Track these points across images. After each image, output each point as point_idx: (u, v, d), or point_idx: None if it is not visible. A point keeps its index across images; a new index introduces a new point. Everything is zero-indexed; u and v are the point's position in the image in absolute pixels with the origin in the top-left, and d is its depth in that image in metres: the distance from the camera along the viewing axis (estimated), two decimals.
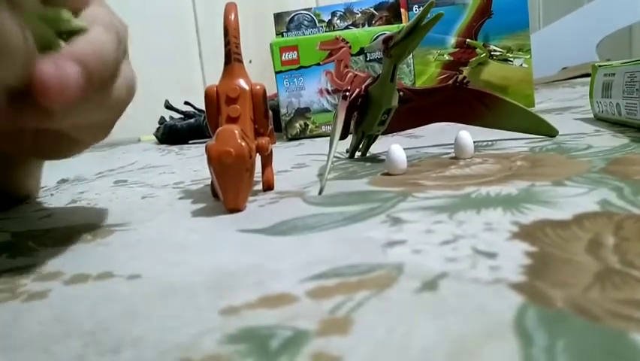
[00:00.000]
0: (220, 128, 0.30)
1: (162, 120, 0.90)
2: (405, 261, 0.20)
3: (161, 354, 0.15)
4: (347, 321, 0.16)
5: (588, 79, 0.53)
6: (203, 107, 0.35)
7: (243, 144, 0.30)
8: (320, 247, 0.23)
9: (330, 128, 0.66)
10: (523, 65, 0.69)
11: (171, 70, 1.15)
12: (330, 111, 0.67)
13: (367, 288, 0.18)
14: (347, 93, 0.39)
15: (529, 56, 0.69)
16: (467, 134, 0.39)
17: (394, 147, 0.36)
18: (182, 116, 0.89)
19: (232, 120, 0.32)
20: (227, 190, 0.30)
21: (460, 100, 0.44)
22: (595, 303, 0.15)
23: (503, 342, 0.14)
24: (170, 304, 0.18)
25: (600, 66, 0.50)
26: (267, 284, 0.19)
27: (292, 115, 0.67)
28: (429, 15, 0.36)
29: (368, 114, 0.42)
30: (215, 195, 0.35)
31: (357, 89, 0.40)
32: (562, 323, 0.14)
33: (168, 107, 0.88)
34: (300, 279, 0.19)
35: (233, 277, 0.20)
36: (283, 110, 0.68)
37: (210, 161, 0.30)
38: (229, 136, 0.30)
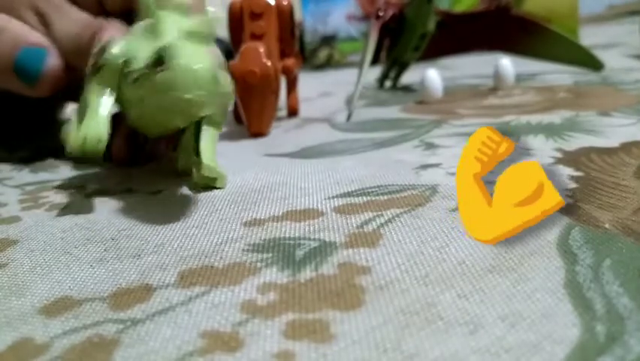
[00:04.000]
0: (244, 47, 0.29)
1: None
2: (439, 182, 0.19)
3: (182, 260, 0.14)
4: (376, 235, 0.15)
5: (637, 18, 0.49)
6: (224, 33, 0.33)
7: (269, 63, 0.28)
8: (348, 168, 0.22)
9: (357, 57, 0.63)
10: None
11: None
12: (357, 40, 0.64)
13: (398, 206, 0.17)
14: (380, 14, 0.37)
15: None
16: (508, 63, 0.36)
17: (430, 72, 0.34)
18: None
19: (256, 38, 0.30)
20: (251, 113, 0.29)
21: (502, 27, 0.41)
22: None
23: (546, 259, 0.13)
24: (192, 215, 0.18)
25: None
26: (293, 200, 0.18)
27: (317, 43, 0.65)
28: None
29: (402, 38, 0.39)
30: (238, 119, 0.34)
31: (392, 10, 0.38)
32: (609, 242, 0.13)
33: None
34: (326, 196, 0.18)
35: (257, 193, 0.19)
36: (308, 38, 0.65)
37: (234, 81, 0.28)
38: (254, 55, 0.28)
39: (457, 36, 0.42)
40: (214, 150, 0.20)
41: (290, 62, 0.32)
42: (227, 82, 0.19)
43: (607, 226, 0.14)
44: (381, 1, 0.40)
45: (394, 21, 0.39)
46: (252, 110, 0.29)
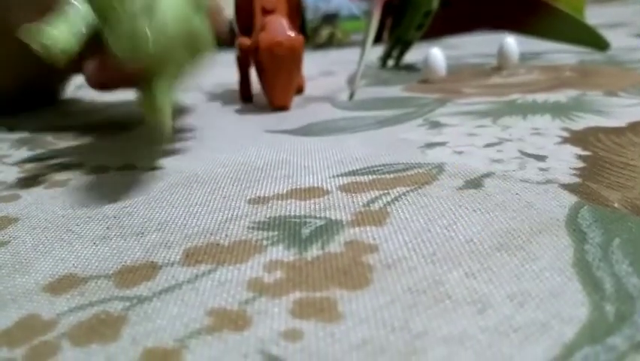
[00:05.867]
0: (268, 19, 0.28)
1: None
2: (446, 161, 0.19)
3: (187, 237, 0.14)
4: (383, 213, 0.15)
5: None
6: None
7: (293, 35, 0.28)
8: (352, 147, 0.21)
9: (359, 37, 0.62)
10: None
11: None
12: (360, 18, 0.63)
13: (405, 185, 0.17)
14: None
15: None
16: (513, 42, 0.36)
17: (434, 51, 0.33)
18: None
19: (267, 13, 0.30)
20: (276, 86, 0.29)
21: (507, 5, 0.40)
22: None
23: (555, 238, 0.13)
24: (195, 192, 0.17)
25: None
26: (297, 178, 0.18)
27: (319, 21, 0.64)
28: None
29: (405, 17, 0.39)
30: (244, 98, 0.34)
31: None
32: (618, 222, 0.13)
33: None
34: (331, 174, 0.18)
35: (260, 170, 0.19)
36: (309, 16, 0.64)
37: (260, 53, 0.28)
38: (279, 26, 0.28)
39: (461, 15, 0.41)
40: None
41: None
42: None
43: (616, 205, 0.14)
44: None
45: None
46: (277, 82, 0.29)
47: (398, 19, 0.39)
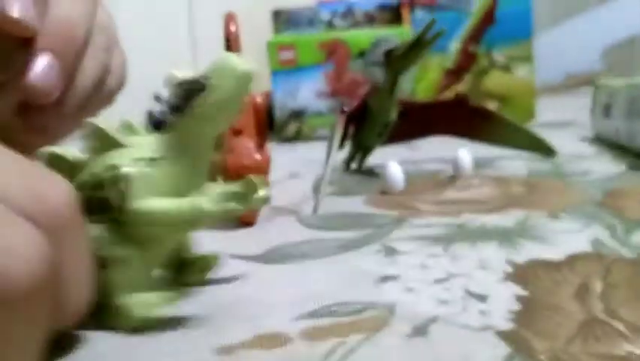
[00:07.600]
0: (235, 141, 0.31)
1: (151, 114, 0.89)
2: (397, 300, 0.20)
3: None
4: None
5: (592, 88, 0.53)
6: None
7: (259, 157, 0.30)
8: (314, 279, 0.23)
9: (325, 132, 0.65)
10: (526, 75, 0.69)
11: (161, 62, 1.11)
12: (326, 115, 0.66)
13: (359, 331, 0.18)
14: (345, 109, 0.39)
15: (532, 66, 0.68)
16: (466, 154, 0.39)
17: (392, 166, 0.36)
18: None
19: (237, 133, 0.32)
20: None
21: (461, 116, 0.44)
22: (575, 357, 0.16)
23: None
24: (163, 338, 0.19)
25: (600, 87, 0.50)
26: (261, 321, 0.19)
27: (286, 117, 0.67)
28: (431, 31, 0.37)
29: (365, 127, 0.42)
30: None
31: (356, 104, 0.40)
32: None
33: (158, 98, 0.87)
34: (293, 316, 0.20)
35: (227, 309, 0.21)
36: (277, 112, 0.67)
37: (228, 176, 0.29)
38: (245, 150, 0.30)
39: (418, 123, 0.45)
40: None
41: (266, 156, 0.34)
42: None
43: (542, 357, 0.16)
44: (349, 80, 0.43)
45: (358, 111, 0.41)
46: None
47: (359, 128, 0.43)
